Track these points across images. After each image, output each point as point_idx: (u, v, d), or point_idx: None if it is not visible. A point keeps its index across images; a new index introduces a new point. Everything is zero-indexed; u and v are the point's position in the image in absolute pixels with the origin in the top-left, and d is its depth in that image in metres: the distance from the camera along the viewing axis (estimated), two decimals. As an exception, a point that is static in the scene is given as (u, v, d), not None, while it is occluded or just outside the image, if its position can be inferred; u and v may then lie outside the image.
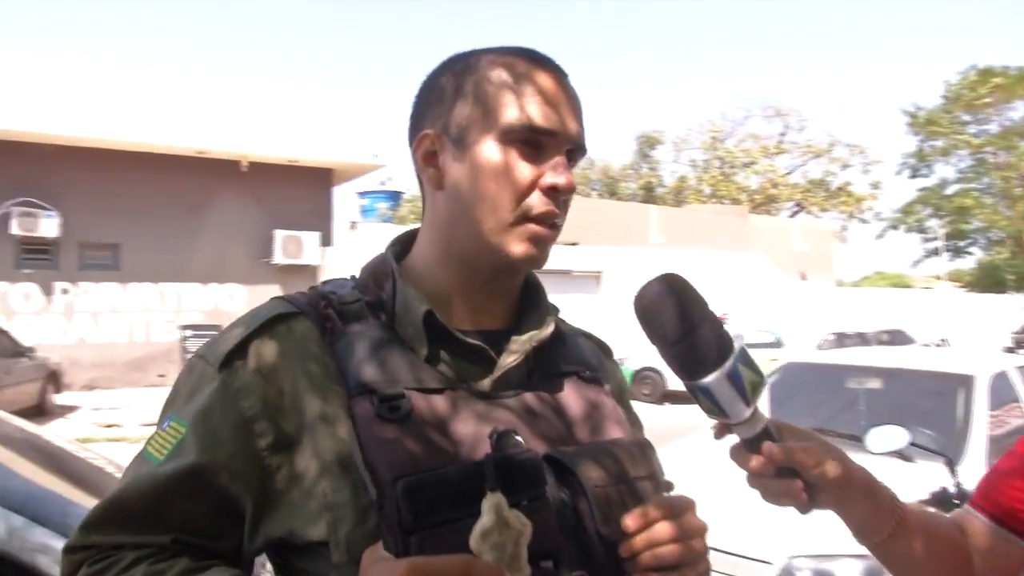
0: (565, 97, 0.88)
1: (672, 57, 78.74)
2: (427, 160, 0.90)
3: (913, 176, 31.70)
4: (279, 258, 15.97)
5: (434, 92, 0.91)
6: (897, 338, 17.65)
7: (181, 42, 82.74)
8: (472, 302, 0.92)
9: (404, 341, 0.85)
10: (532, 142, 0.86)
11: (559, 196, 0.87)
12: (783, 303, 21.97)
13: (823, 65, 72.66)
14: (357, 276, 0.95)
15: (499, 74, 0.87)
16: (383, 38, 78.88)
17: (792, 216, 39.04)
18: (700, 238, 25.39)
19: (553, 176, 0.86)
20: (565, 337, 0.98)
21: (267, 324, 0.84)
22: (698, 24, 75.68)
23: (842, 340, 16.11)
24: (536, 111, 0.85)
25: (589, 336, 1.08)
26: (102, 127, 14.45)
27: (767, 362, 12.73)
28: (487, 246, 0.87)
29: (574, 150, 0.90)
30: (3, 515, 1.85)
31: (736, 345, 0.82)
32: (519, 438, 0.81)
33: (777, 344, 15.68)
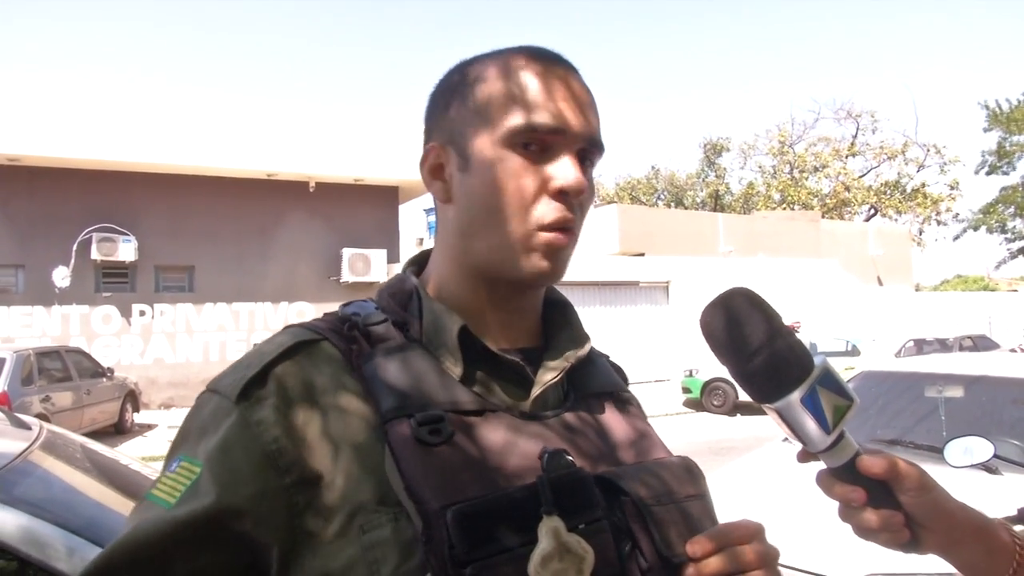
0: (570, 92, 0.81)
1: (736, 62, 77.79)
2: (434, 173, 0.85)
3: (991, 174, 30.47)
4: (347, 276, 16.23)
5: (438, 102, 0.86)
6: (981, 343, 17.07)
7: (248, 66, 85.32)
8: (494, 319, 0.85)
9: (436, 359, 0.79)
10: (537, 144, 0.79)
11: (570, 199, 0.79)
12: (859, 310, 21.43)
13: (895, 64, 70.88)
14: (375, 298, 0.89)
15: (496, 75, 0.81)
16: (446, 54, 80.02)
17: (866, 220, 38.07)
18: (770, 245, 24.97)
19: (560, 178, 0.78)
20: (595, 357, 0.93)
21: (287, 352, 0.76)
22: (763, 28, 74.63)
23: (922, 347, 15.65)
24: (538, 110, 0.78)
25: (610, 361, 1.02)
26: (175, 153, 14.95)
27: (842, 371, 12.39)
28: (499, 260, 0.80)
29: (588, 149, 0.82)
30: (63, 536, 1.87)
31: (817, 364, 0.75)
32: (570, 457, 0.74)
33: (853, 352, 15.28)
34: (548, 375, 0.83)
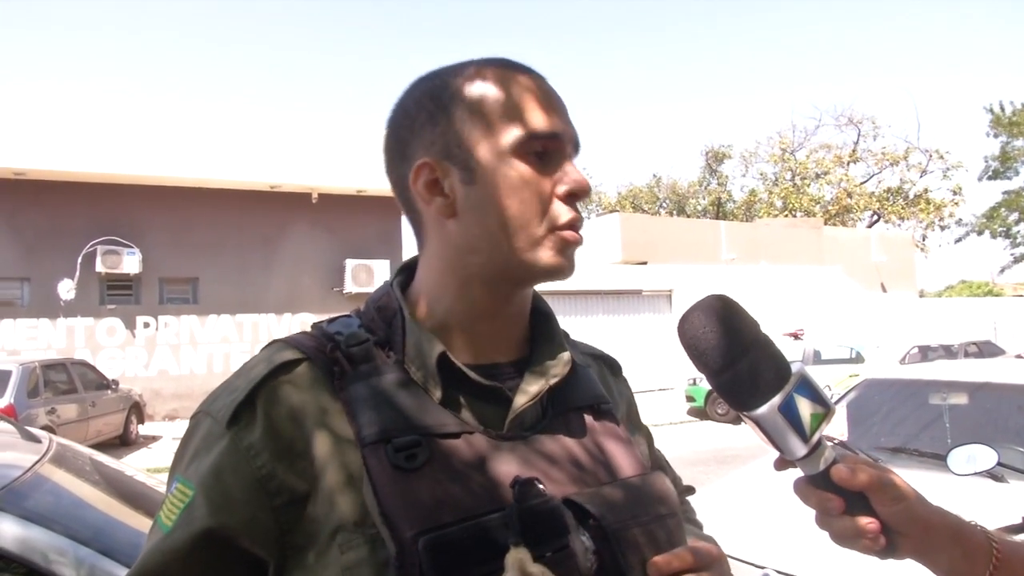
0: (554, 98, 0.85)
1: (737, 69, 77.87)
2: (431, 189, 0.84)
3: (993, 178, 30.41)
4: (350, 287, 16.23)
5: (419, 117, 0.85)
6: (986, 349, 17.00)
7: (250, 78, 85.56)
8: (484, 330, 0.87)
9: (416, 382, 0.81)
10: (540, 150, 0.82)
11: (576, 200, 0.84)
12: (862, 317, 21.38)
13: (896, 69, 70.91)
14: (362, 310, 0.90)
15: (489, 86, 0.83)
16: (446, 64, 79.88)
17: (869, 226, 38.01)
18: (773, 253, 24.95)
19: (569, 182, 0.82)
20: (578, 368, 0.93)
21: (273, 373, 0.79)
22: (762, 35, 74.75)
23: (926, 353, 15.59)
24: (537, 118, 0.82)
25: (598, 356, 1.04)
26: (179, 166, 14.99)
27: (847, 378, 12.38)
28: (515, 265, 0.82)
29: (574, 149, 0.87)
30: (73, 547, 1.89)
31: (794, 372, 0.76)
32: (541, 485, 0.77)
33: (857, 360, 15.23)
34: (525, 398, 0.84)
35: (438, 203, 0.84)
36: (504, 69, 0.85)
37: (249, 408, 0.77)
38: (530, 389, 0.85)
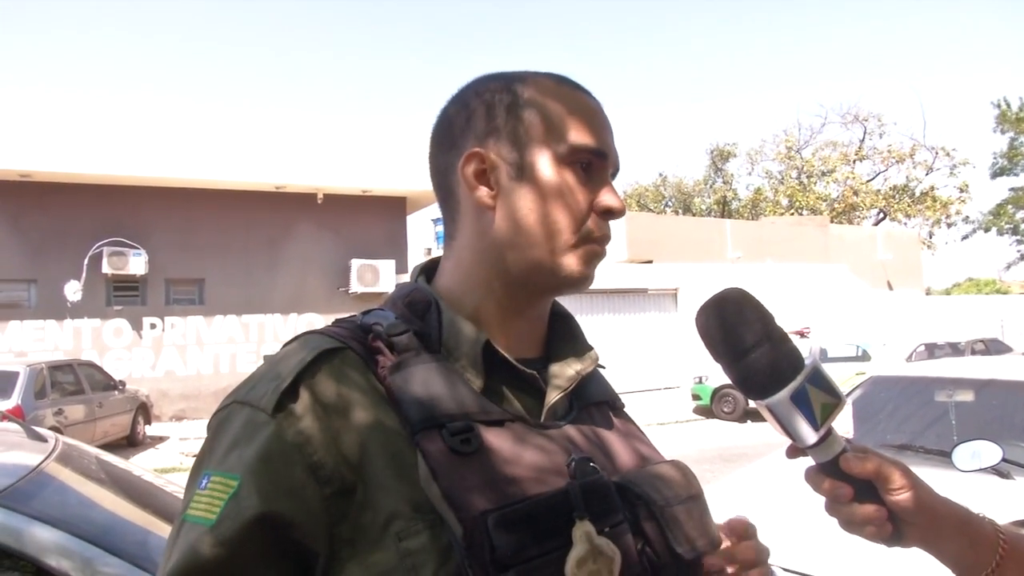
0: (607, 123, 0.90)
1: (742, 68, 77.67)
2: (478, 178, 0.86)
3: (998, 175, 30.35)
4: (356, 287, 16.27)
5: (477, 110, 0.88)
6: (993, 347, 16.93)
7: (255, 79, 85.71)
8: (509, 328, 0.89)
9: (456, 372, 0.82)
10: (587, 164, 0.85)
11: (610, 219, 0.87)
12: (869, 315, 21.31)
13: (902, 67, 70.61)
14: (391, 308, 0.90)
15: (555, 95, 0.87)
16: (453, 66, 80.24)
17: (875, 224, 37.90)
18: (779, 251, 24.90)
19: (608, 200, 0.86)
20: (593, 369, 0.97)
21: (317, 360, 0.77)
22: (768, 33, 74.55)
23: (933, 351, 15.52)
24: (591, 134, 0.86)
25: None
26: (184, 167, 15.05)
27: (853, 376, 12.35)
28: (544, 266, 0.85)
29: (614, 173, 0.91)
30: (80, 546, 1.89)
31: (807, 363, 0.79)
32: (594, 465, 0.79)
33: (863, 357, 15.18)
34: (560, 386, 0.88)
35: (482, 192, 0.86)
36: (568, 86, 0.89)
37: (294, 395, 0.75)
38: (562, 380, 0.89)
